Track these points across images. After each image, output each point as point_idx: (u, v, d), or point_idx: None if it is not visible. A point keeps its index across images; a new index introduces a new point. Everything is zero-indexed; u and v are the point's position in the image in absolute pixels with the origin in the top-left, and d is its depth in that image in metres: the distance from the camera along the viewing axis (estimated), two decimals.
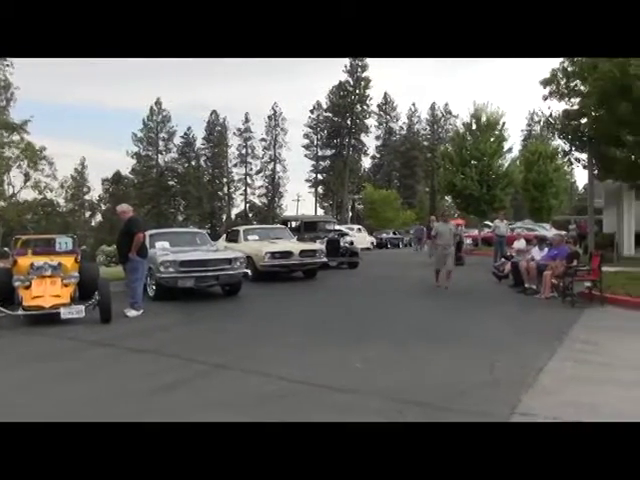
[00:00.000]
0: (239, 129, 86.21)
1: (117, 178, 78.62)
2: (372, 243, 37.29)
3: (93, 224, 78.08)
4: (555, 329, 8.26)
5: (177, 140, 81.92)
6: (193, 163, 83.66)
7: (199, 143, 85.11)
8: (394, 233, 44.66)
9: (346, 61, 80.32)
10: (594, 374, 5.86)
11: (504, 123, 34.01)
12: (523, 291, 12.38)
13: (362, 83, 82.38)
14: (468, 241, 28.94)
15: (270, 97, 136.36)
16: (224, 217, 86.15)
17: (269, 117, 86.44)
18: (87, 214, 79.33)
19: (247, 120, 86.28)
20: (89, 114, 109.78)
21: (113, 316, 9.08)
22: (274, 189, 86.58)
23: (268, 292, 13.20)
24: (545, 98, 14.26)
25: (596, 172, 15.79)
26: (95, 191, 78.77)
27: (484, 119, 33.65)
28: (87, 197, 78.28)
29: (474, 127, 33.97)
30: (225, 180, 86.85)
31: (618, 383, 5.49)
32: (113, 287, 10.17)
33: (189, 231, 19.62)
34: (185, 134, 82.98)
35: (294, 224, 21.95)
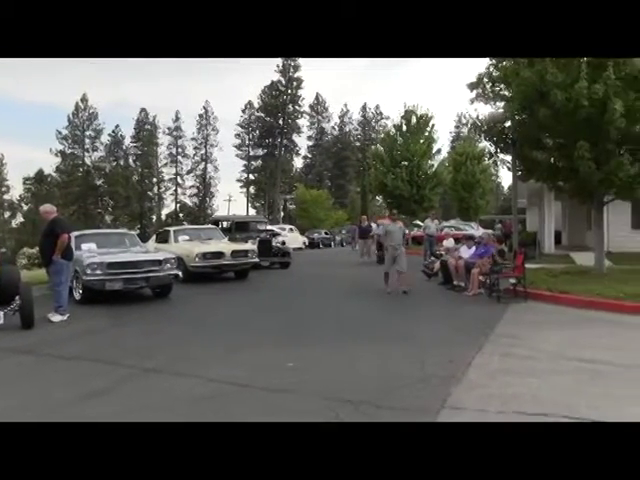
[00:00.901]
0: (169, 128, 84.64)
1: (40, 177, 75.48)
2: (304, 243, 37.35)
3: (14, 225, 74.76)
4: (482, 324, 8.51)
5: (105, 138, 79.49)
6: (122, 162, 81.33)
7: (127, 142, 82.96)
8: (326, 233, 44.90)
9: (278, 61, 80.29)
10: (517, 366, 6.08)
11: (433, 125, 34.80)
12: (452, 288, 12.72)
13: (294, 83, 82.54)
14: None
15: (201, 96, 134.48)
16: (154, 218, 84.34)
17: (200, 116, 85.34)
18: (6, 215, 75.88)
19: (177, 119, 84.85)
20: (8, 109, 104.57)
21: (36, 322, 8.71)
22: (205, 189, 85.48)
23: (199, 293, 13.02)
24: (472, 101, 14.64)
25: (520, 173, 16.35)
26: (15, 190, 75.56)
27: (414, 121, 34.29)
28: (6, 197, 74.93)
29: (404, 128, 34.57)
30: (155, 180, 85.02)
31: (538, 373, 5.73)
32: (36, 291, 9.79)
33: (117, 232, 19.06)
34: (113, 132, 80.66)
35: (225, 224, 21.76)
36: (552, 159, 13.60)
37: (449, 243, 16.42)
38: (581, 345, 7.16)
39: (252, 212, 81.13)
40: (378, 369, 6.12)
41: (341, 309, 10.68)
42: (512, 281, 11.52)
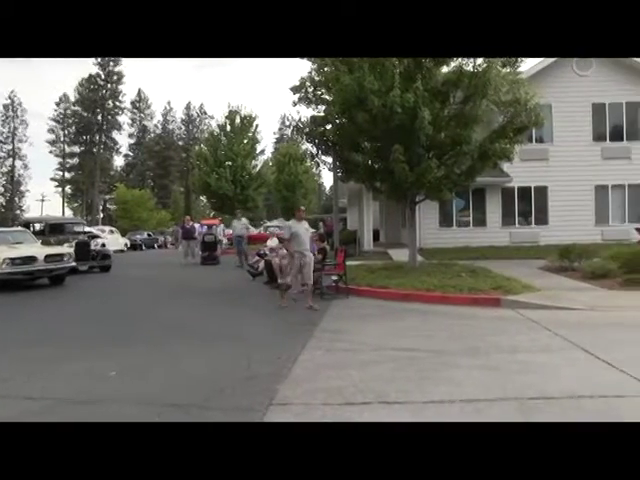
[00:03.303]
0: None
1: None
2: (126, 245, 35.97)
3: None
4: (307, 321, 8.78)
5: None
6: None
7: None
8: (148, 234, 43.51)
9: None
10: (340, 359, 6.33)
11: (257, 125, 35.29)
12: (277, 287, 12.92)
13: (114, 77, 78.77)
14: (224, 240, 29.32)
15: (7, 85, 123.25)
16: None
17: (5, 107, 78.18)
18: None
19: None
20: None
21: None
22: (14, 188, 78.44)
23: (7, 304, 11.97)
24: (295, 104, 15.02)
25: (340, 174, 17.06)
26: None
27: (238, 121, 34.46)
28: None
29: (228, 128, 34.61)
30: None
31: (360, 365, 6.02)
32: None
33: None
34: None
35: (38, 226, 20.29)
36: (370, 161, 14.38)
37: (273, 242, 16.68)
38: (398, 335, 7.66)
39: (68, 213, 76.18)
40: (205, 370, 6.05)
41: (167, 312, 10.41)
42: (334, 278, 12.00)
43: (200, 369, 6.12)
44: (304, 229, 10.57)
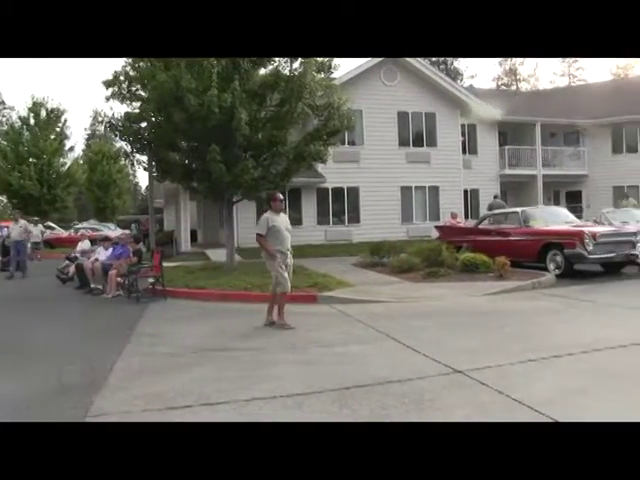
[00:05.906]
0: None
1: None
2: None
3: None
4: (122, 326, 8.42)
5: None
6: None
7: None
8: None
9: None
10: (159, 364, 6.17)
11: (66, 120, 33.23)
12: (90, 292, 12.29)
13: None
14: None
15: None
16: None
17: None
18: None
19: None
20: None
21: None
22: None
23: None
24: (108, 99, 14.30)
25: (156, 174, 16.62)
26: None
27: (44, 114, 32.18)
28: None
29: (32, 122, 32.17)
30: None
31: (179, 368, 5.93)
32: None
33: None
34: None
35: None
36: (187, 161, 14.20)
37: (84, 245, 15.84)
38: (217, 335, 7.65)
39: None
40: (9, 388, 5.47)
41: None
42: (151, 280, 11.69)
43: (2, 387, 5.58)
44: (285, 223, 8.30)
